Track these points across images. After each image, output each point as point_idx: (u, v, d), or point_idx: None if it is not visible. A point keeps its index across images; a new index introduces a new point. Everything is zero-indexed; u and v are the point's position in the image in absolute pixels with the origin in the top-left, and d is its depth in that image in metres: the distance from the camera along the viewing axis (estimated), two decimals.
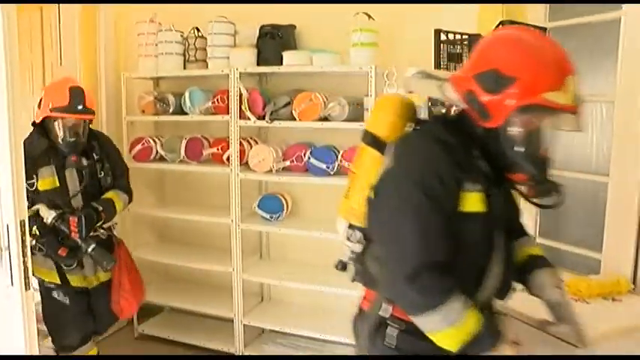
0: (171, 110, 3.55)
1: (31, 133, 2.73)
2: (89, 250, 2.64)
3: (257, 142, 3.55)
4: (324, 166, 3.22)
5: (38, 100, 2.79)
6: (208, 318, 3.80)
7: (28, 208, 2.60)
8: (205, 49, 3.52)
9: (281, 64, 3.29)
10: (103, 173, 2.83)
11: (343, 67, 3.17)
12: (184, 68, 3.56)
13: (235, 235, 3.43)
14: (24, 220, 2.38)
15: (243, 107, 3.31)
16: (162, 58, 3.52)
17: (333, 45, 3.30)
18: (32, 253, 2.57)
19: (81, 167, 2.74)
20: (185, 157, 3.59)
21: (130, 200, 3.00)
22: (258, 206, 3.45)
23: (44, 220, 2.61)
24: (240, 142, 3.41)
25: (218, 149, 3.51)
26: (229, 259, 3.48)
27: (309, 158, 3.26)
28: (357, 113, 3.23)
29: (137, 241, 3.76)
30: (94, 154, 2.82)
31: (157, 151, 3.65)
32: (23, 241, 2.37)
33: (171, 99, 3.53)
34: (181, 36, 3.53)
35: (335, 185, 3.37)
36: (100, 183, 2.83)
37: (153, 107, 3.60)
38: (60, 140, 2.71)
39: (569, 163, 2.81)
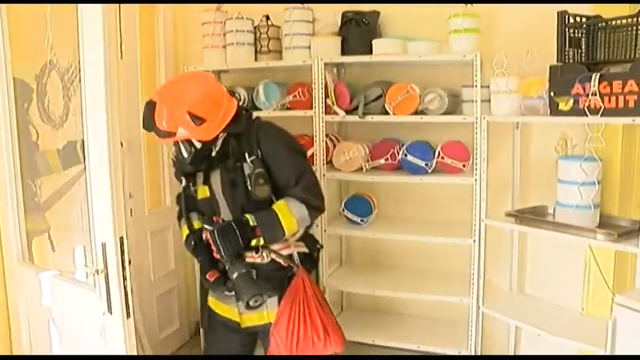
0: (244, 106, 3.24)
1: None
2: (234, 275, 2.04)
3: (338, 140, 3.26)
4: (422, 163, 2.95)
5: None
6: None
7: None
8: (278, 39, 3.22)
9: (369, 53, 3.00)
10: (262, 180, 2.03)
11: (444, 55, 2.90)
12: (255, 60, 3.24)
13: (322, 240, 3.14)
14: (123, 238, 2.11)
15: (329, 101, 3.03)
16: (231, 49, 3.19)
17: (420, 32, 3.02)
18: None
19: (223, 172, 2.13)
20: None
21: (315, 214, 2.16)
22: (346, 208, 3.17)
23: (203, 235, 2.17)
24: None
25: None
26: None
27: (405, 155, 2.98)
28: (453, 106, 2.97)
29: None
30: (246, 155, 2.07)
31: None
32: (122, 262, 2.11)
33: (242, 93, 3.22)
34: (252, 24, 3.22)
35: (430, 184, 3.13)
36: (251, 191, 2.07)
37: None
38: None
39: None
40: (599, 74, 2.34)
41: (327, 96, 3.04)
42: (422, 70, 3.10)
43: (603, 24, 2.50)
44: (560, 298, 2.95)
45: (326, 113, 3.05)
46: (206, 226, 2.12)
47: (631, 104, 2.27)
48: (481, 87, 2.81)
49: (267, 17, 3.23)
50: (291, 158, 2.14)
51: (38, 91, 2.48)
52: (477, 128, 2.81)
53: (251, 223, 2.03)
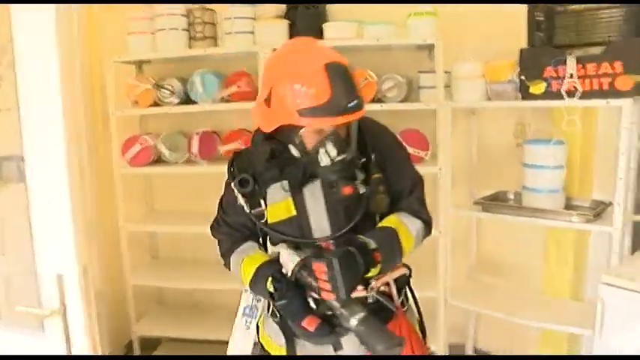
0: (176, 100, 2.87)
1: (255, 133, 1.63)
2: (352, 322, 1.41)
3: None
4: None
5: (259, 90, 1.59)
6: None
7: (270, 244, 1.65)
8: (214, 24, 2.88)
9: (319, 37, 2.76)
10: (382, 188, 1.53)
11: (404, 39, 2.74)
12: (190, 47, 2.86)
13: None
14: (87, 267, 1.71)
15: None
16: (161, 35, 2.80)
17: (371, 16, 2.83)
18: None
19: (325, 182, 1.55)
20: (195, 157, 2.93)
21: (427, 232, 1.66)
22: None
23: (284, 271, 1.52)
24: None
25: (241, 144, 2.90)
26: None
27: None
28: (407, 93, 2.84)
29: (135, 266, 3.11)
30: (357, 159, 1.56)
31: (156, 152, 2.95)
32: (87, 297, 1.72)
33: (177, 86, 2.84)
34: (184, 8, 2.83)
35: None
36: (366, 205, 1.53)
37: (151, 97, 2.87)
38: (317, 164, 1.48)
39: None
40: (575, 57, 2.33)
41: None
42: (374, 56, 2.92)
43: (562, 8, 2.51)
44: (519, 282, 2.97)
45: None
46: (297, 255, 1.51)
47: (605, 86, 2.30)
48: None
49: None
50: (407, 162, 1.69)
51: None
52: (439, 115, 2.70)
53: (371, 246, 1.47)
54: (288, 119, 1.40)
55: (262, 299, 1.67)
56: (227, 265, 1.69)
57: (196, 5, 2.83)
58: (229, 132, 3.00)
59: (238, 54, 2.82)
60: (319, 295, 1.43)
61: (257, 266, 1.55)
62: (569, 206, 2.60)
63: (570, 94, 2.34)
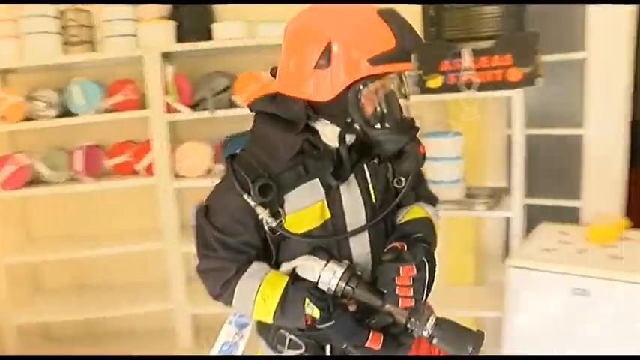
0: (53, 113, 2.57)
1: (259, 129, 1.34)
2: (428, 327, 1.22)
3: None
4: None
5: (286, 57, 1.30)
6: None
7: (274, 263, 1.32)
8: (91, 27, 2.62)
9: (207, 39, 2.62)
10: (398, 181, 1.36)
11: None
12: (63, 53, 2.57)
13: (175, 260, 2.72)
14: None
15: (169, 98, 2.57)
16: (29, 39, 2.50)
17: (262, 14, 2.73)
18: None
19: (358, 174, 1.33)
20: (79, 174, 2.66)
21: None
22: None
23: (321, 286, 1.23)
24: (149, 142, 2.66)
25: (131, 156, 2.68)
26: (161, 294, 2.78)
27: None
28: None
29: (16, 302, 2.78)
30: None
31: (33, 173, 2.63)
32: None
33: (52, 97, 2.54)
34: (56, 9, 2.54)
35: None
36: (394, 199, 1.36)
37: (21, 111, 2.55)
38: (380, 130, 1.24)
39: None
40: (470, 50, 2.40)
41: (165, 92, 2.57)
42: (268, 56, 2.79)
43: (449, 6, 2.58)
44: None
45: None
46: (339, 266, 1.25)
47: (498, 78, 2.40)
48: None
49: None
50: None
51: None
52: None
53: (427, 240, 1.32)
54: (361, 70, 1.18)
55: (246, 335, 1.41)
56: (227, 297, 1.31)
57: (69, 5, 2.56)
58: (115, 145, 2.77)
59: (121, 59, 2.60)
60: (394, 304, 1.22)
61: (284, 288, 1.24)
62: (468, 195, 2.68)
63: (467, 86, 2.41)
